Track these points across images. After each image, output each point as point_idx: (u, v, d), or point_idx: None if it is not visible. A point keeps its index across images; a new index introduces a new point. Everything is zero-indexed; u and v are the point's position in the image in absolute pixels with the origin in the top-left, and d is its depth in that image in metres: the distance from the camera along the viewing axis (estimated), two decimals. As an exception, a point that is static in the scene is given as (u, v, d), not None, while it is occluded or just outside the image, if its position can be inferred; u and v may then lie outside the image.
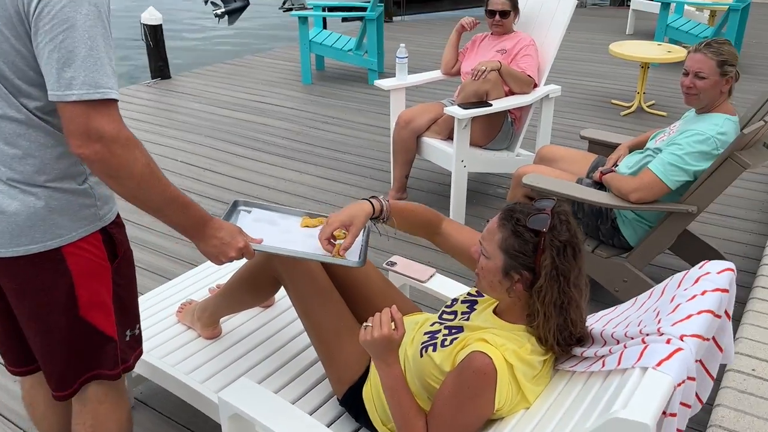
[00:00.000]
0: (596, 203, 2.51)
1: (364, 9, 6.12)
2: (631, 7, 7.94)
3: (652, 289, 1.66)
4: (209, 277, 2.49)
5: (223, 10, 9.14)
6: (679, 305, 1.43)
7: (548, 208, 1.43)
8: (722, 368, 2.05)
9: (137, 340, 1.61)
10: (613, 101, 5.51)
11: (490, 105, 3.26)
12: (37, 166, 1.30)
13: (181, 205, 1.43)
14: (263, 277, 1.97)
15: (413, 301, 2.09)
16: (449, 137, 3.47)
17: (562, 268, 1.40)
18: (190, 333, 2.16)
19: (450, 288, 2.15)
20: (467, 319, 1.61)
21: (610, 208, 2.58)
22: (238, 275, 2.02)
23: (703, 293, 1.44)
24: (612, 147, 2.97)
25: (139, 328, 1.61)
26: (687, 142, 2.33)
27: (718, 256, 2.91)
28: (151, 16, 6.29)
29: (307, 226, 1.84)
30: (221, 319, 2.16)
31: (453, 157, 3.29)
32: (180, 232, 1.49)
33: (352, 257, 1.71)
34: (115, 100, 1.23)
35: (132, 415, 1.69)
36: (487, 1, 3.55)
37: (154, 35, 6.32)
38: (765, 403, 2.04)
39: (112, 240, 1.46)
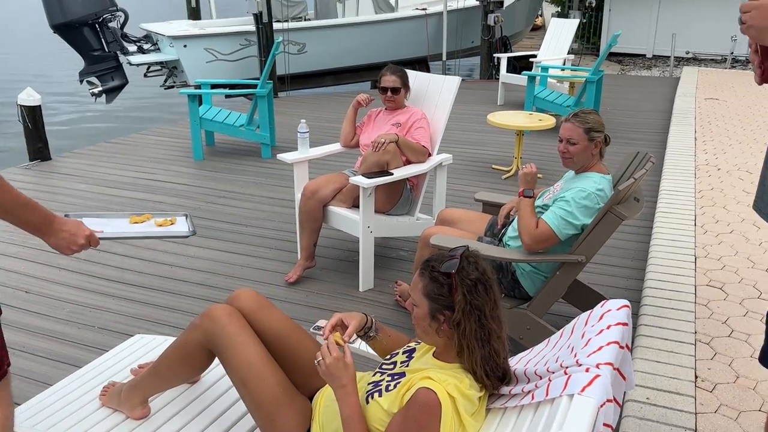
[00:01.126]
0: (498, 258, 2.75)
1: (249, 86, 6.31)
2: (500, 80, 8.67)
3: (562, 330, 1.87)
4: (128, 358, 2.46)
5: (100, 88, 8.97)
6: (590, 340, 1.64)
7: (458, 253, 1.63)
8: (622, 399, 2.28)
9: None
10: (494, 166, 5.96)
11: (391, 174, 3.48)
12: None
13: (31, 206, 1.66)
14: (197, 350, 2.00)
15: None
16: (354, 205, 3.64)
17: (475, 302, 1.59)
18: (117, 415, 2.12)
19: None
20: (407, 366, 1.74)
21: (510, 261, 2.83)
22: (171, 350, 2.04)
23: (608, 327, 1.66)
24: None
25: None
26: (573, 198, 2.64)
27: (602, 299, 3.22)
28: (29, 96, 6.12)
29: (136, 222, 2.06)
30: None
31: (360, 223, 3.45)
32: (31, 231, 1.69)
33: (182, 229, 2.04)
34: None
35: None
36: (380, 79, 3.83)
37: (33, 116, 6.14)
38: (663, 427, 2.29)
39: None
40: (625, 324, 1.68)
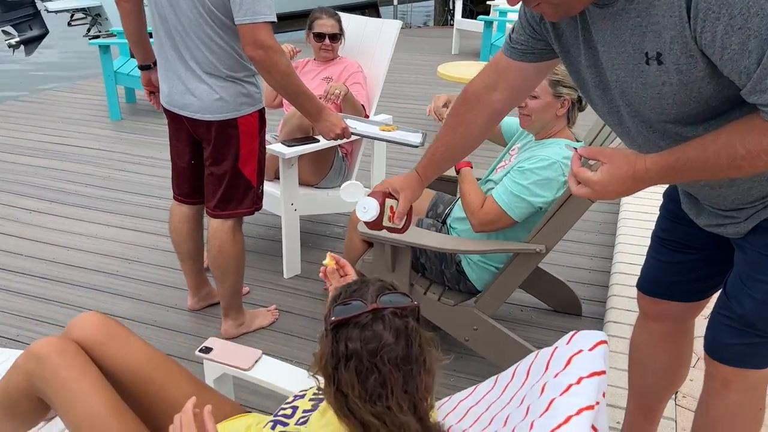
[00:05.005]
0: (435, 249, 2.25)
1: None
2: (455, 27, 8.05)
3: (514, 368, 1.38)
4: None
5: (17, 39, 8.08)
6: (552, 401, 1.15)
7: (372, 300, 1.10)
8: None
9: (262, 195, 2.47)
10: (446, 123, 5.42)
11: (318, 140, 2.92)
12: (231, 67, 2.19)
13: (309, 96, 2.27)
14: (23, 399, 1.49)
15: (241, 399, 1.68)
16: (276, 177, 3.09)
17: (338, 378, 1.08)
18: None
19: (283, 375, 1.75)
20: (305, 422, 1.25)
21: (453, 253, 2.33)
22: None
23: (578, 381, 1.17)
24: (450, 181, 2.75)
25: (263, 187, 2.48)
26: (531, 169, 2.13)
27: (564, 287, 2.77)
28: None
29: (384, 131, 2.54)
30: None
31: (281, 200, 2.90)
32: (306, 115, 2.35)
33: (416, 140, 2.52)
34: (270, 23, 2.05)
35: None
36: (312, 24, 3.24)
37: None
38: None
39: (263, 117, 2.34)
40: (601, 373, 1.20)
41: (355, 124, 2.49)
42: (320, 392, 1.22)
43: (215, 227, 2.41)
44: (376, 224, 1.58)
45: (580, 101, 2.25)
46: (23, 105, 5.92)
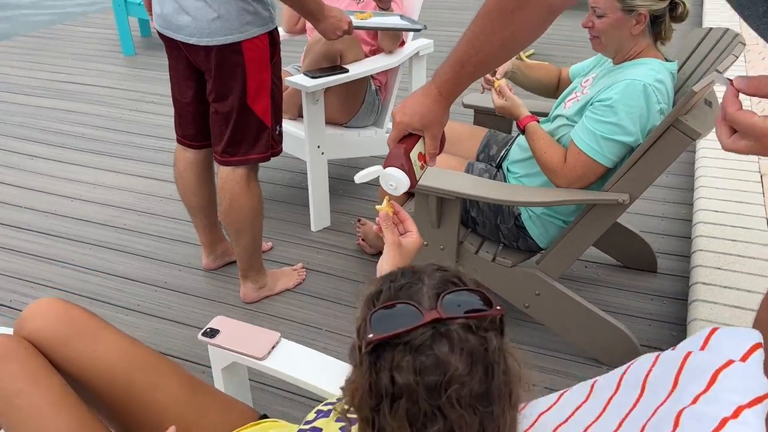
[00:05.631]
0: (491, 200, 1.85)
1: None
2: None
3: (619, 376, 1.01)
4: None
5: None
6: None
7: (430, 304, 0.72)
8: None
9: (281, 137, 2.12)
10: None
11: (346, 70, 2.50)
12: None
13: None
14: None
15: (259, 387, 1.33)
16: (300, 115, 2.69)
17: (380, 424, 0.71)
18: None
19: (306, 366, 1.40)
20: None
21: (513, 205, 1.93)
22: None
23: (736, 413, 0.79)
24: (505, 117, 2.32)
25: (281, 128, 2.11)
26: (619, 99, 1.69)
27: (635, 238, 2.36)
28: None
29: (361, 19, 2.50)
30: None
31: (306, 142, 2.51)
32: (307, 16, 2.07)
33: (416, 25, 2.56)
34: None
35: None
36: None
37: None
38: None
39: (275, 41, 1.95)
40: (765, 397, 0.81)
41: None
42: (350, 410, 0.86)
43: (225, 176, 2.04)
44: (410, 186, 1.20)
45: (672, 9, 1.77)
46: (28, 41, 5.54)
